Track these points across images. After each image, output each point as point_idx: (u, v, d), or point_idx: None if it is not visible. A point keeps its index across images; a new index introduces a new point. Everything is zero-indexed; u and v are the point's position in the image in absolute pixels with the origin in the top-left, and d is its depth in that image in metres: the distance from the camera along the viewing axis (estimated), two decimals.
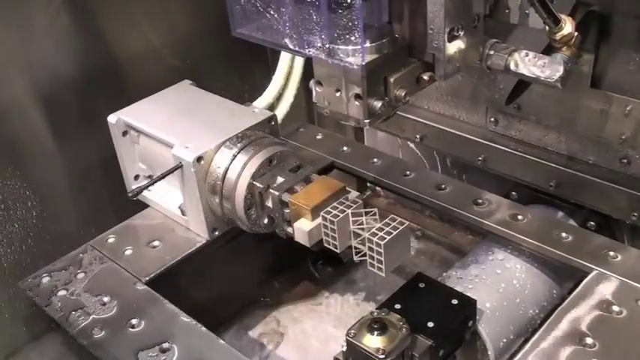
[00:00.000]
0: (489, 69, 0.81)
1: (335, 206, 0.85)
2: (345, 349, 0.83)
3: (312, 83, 0.79)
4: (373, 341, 0.80)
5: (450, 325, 0.85)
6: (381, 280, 1.17)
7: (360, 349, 0.80)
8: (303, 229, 0.86)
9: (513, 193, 1.15)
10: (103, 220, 1.06)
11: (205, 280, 1.05)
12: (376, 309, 0.85)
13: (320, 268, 1.17)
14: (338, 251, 0.84)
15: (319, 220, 0.85)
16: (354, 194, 0.88)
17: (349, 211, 0.83)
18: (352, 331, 0.81)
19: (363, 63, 0.71)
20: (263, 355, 1.08)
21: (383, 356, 0.78)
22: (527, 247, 0.94)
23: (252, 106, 1.06)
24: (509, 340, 0.91)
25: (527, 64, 0.78)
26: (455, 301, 0.87)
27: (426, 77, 0.78)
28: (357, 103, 0.75)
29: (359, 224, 0.83)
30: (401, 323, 0.81)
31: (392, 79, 0.75)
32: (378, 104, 0.75)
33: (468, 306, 0.87)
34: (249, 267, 1.14)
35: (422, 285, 0.91)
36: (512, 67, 0.79)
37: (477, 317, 0.89)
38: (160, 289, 0.90)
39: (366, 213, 0.84)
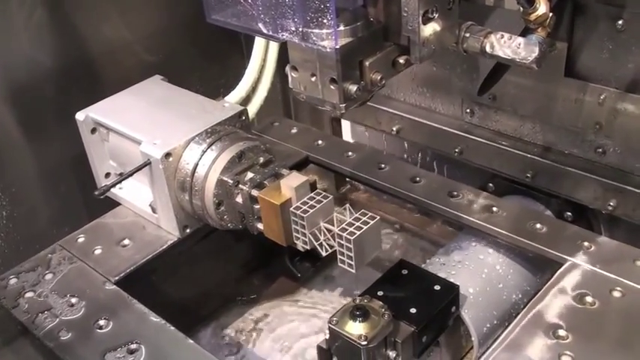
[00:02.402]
0: (465, 52, 0.79)
1: (305, 202, 0.83)
2: (327, 336, 0.82)
3: (287, 68, 0.77)
4: (355, 328, 0.79)
5: (432, 311, 0.84)
6: (360, 275, 1.15)
7: (343, 336, 0.79)
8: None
9: (490, 184, 1.14)
10: (75, 220, 1.04)
11: (179, 279, 1.03)
12: (358, 296, 0.84)
13: (298, 265, 1.16)
14: (307, 247, 0.83)
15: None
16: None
17: (319, 206, 0.82)
18: (334, 319, 0.81)
19: (337, 46, 0.69)
20: (241, 352, 1.06)
21: (365, 343, 0.77)
22: (502, 239, 0.93)
23: (224, 101, 1.05)
24: (492, 326, 0.91)
25: (503, 45, 0.77)
26: (437, 287, 0.87)
27: (401, 61, 0.76)
28: (332, 87, 0.73)
29: (329, 220, 0.82)
30: (383, 310, 0.81)
31: (367, 63, 0.74)
32: (353, 88, 0.73)
33: (451, 292, 0.87)
34: (225, 264, 1.13)
35: (404, 272, 0.90)
36: (487, 49, 0.78)
37: (460, 303, 0.88)
38: (132, 289, 0.89)
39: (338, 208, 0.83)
